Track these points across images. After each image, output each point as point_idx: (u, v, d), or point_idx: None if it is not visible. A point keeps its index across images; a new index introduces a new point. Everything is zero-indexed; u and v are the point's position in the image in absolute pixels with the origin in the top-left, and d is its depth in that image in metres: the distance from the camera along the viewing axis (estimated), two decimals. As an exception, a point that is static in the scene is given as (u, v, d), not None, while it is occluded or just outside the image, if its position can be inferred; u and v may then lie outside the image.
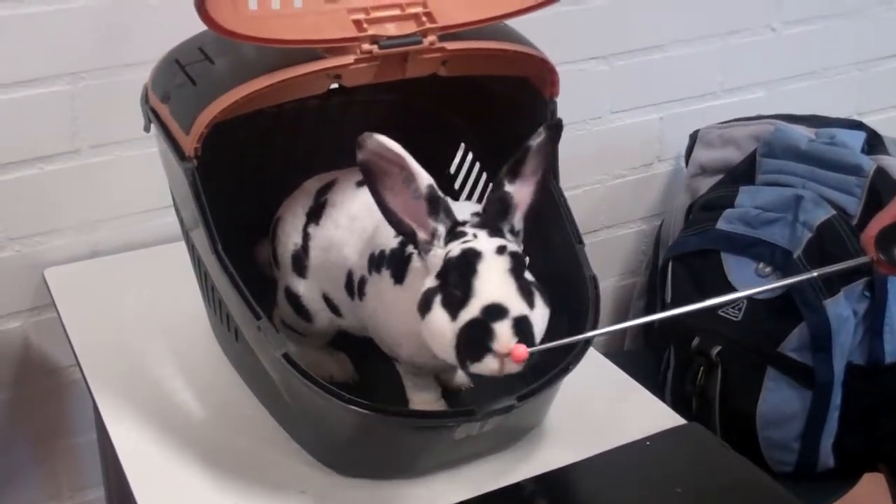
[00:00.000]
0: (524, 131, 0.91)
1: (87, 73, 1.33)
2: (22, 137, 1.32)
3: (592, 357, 1.21)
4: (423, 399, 1.04)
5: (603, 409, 1.12)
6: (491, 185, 0.94)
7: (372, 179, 0.87)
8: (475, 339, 0.82)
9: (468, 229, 0.89)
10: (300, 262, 1.07)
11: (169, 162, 1.01)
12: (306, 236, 1.07)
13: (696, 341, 1.54)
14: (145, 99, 1.04)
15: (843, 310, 1.44)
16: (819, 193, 1.52)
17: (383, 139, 0.86)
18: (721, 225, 1.56)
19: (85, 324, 1.24)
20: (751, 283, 1.51)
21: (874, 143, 1.62)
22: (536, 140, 0.90)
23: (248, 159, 1.18)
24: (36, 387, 1.46)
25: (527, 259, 0.89)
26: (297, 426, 1.03)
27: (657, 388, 1.55)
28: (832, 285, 1.44)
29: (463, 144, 1.24)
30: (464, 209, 0.93)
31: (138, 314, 1.26)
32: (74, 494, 1.57)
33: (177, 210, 1.11)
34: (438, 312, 0.84)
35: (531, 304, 0.85)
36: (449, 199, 0.91)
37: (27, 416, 1.48)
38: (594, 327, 1.00)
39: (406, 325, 0.92)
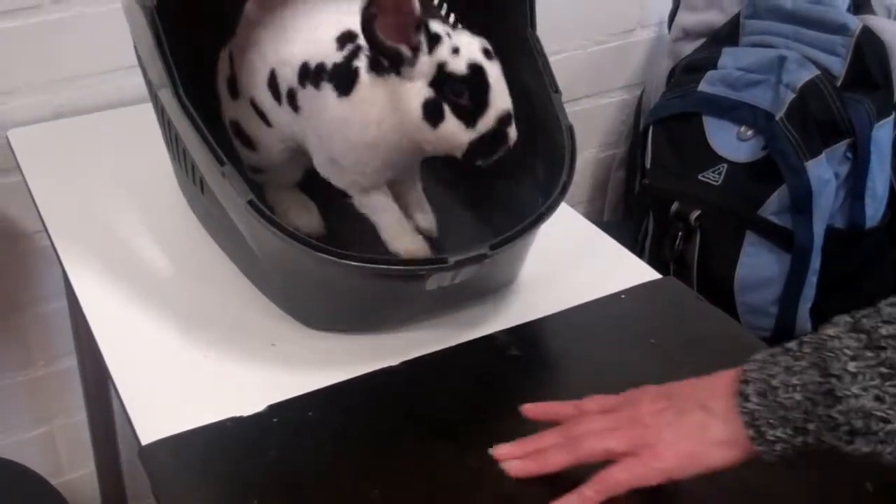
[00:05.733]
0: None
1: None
2: (-21, -8, 1.27)
3: (570, 216, 1.19)
4: (398, 232, 1.01)
5: (579, 266, 1.10)
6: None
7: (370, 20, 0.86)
8: (492, 143, 0.91)
9: (438, 28, 0.89)
10: (232, 83, 1.04)
11: (132, 14, 0.96)
12: (231, 56, 1.04)
13: (675, 206, 1.53)
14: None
15: (824, 171, 1.43)
16: (803, 54, 1.49)
17: None
18: (703, 87, 1.53)
19: (51, 187, 1.21)
20: (732, 147, 1.49)
21: (860, 2, 1.58)
22: None
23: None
24: (2, 254, 1.44)
25: None
26: (266, 279, 1.01)
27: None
28: (814, 146, 1.42)
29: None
30: None
31: (106, 176, 1.23)
32: (48, 363, 1.56)
33: (142, 69, 1.07)
34: (453, 122, 0.89)
35: None
36: None
37: (-5, 285, 1.47)
38: (570, 177, 0.98)
39: (355, 135, 0.93)
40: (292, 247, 0.88)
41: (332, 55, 0.93)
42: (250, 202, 0.88)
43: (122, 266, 1.08)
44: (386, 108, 0.91)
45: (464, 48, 0.89)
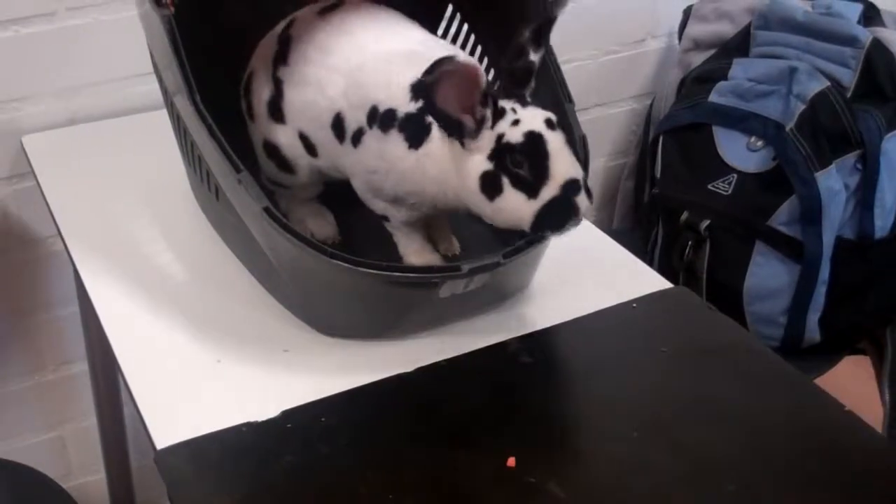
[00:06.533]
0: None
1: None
2: (-5, -2, 1.28)
3: (582, 225, 1.18)
4: (416, 250, 1.02)
5: (591, 274, 1.11)
6: (508, 52, 0.91)
7: (435, 94, 0.86)
8: (559, 213, 0.87)
9: (505, 104, 0.89)
10: (276, 107, 1.04)
11: (149, 22, 0.97)
12: (277, 81, 1.03)
13: (684, 215, 1.53)
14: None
15: (834, 183, 1.43)
16: (814, 65, 1.50)
17: (466, 62, 0.84)
18: (713, 98, 1.53)
19: (65, 192, 1.22)
20: (742, 157, 1.50)
21: (871, 14, 1.59)
22: (562, 7, 0.89)
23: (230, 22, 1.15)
24: (16, 258, 1.45)
25: None
26: (279, 285, 1.01)
27: (644, 266, 1.55)
28: (824, 158, 1.43)
29: (451, 5, 1.20)
30: None
31: (119, 182, 1.24)
32: (58, 368, 1.57)
33: (157, 76, 1.08)
34: (513, 194, 0.87)
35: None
36: None
37: (7, 289, 1.47)
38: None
39: (417, 185, 0.94)
40: (307, 253, 0.89)
41: (404, 104, 0.93)
42: (266, 209, 0.89)
43: (136, 271, 1.08)
44: (448, 170, 0.91)
45: (525, 119, 0.88)
